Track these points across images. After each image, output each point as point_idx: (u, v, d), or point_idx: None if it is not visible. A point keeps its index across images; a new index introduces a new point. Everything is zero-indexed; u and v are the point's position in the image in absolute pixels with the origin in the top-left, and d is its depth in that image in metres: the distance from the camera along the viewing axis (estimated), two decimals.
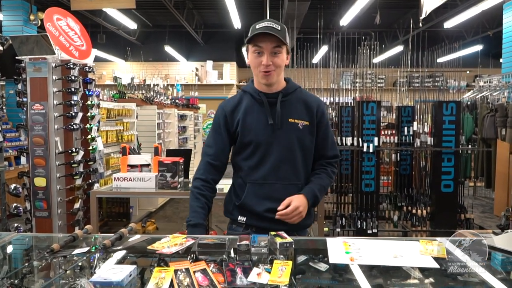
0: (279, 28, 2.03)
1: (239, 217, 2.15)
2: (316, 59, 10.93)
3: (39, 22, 8.55)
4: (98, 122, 4.67)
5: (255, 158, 2.13)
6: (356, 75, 7.76)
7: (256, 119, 2.13)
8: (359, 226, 5.62)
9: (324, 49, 10.46)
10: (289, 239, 1.64)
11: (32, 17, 8.48)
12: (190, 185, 2.18)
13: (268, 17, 8.47)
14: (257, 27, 2.03)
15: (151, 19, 14.35)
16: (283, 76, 2.20)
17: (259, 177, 2.12)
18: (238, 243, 1.58)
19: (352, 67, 7.55)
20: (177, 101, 10.94)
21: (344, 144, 5.86)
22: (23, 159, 4.37)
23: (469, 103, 8.19)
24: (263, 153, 2.12)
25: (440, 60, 7.63)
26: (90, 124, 4.43)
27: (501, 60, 8.94)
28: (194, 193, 2.14)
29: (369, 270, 1.45)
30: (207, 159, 2.20)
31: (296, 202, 2.02)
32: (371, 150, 5.56)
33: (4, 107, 8.18)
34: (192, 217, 2.05)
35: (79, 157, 4.28)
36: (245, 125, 2.13)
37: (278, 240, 1.62)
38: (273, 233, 1.71)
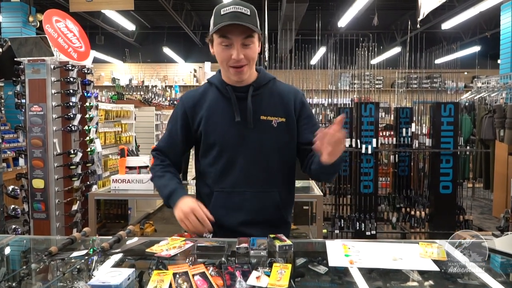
0: (249, 13, 1.70)
1: (205, 233, 1.87)
2: (314, 60, 10.94)
3: (38, 24, 8.56)
4: (97, 123, 4.67)
5: (222, 162, 1.85)
6: (354, 76, 7.80)
7: (221, 116, 1.84)
8: (357, 228, 5.61)
9: (322, 50, 10.47)
10: (288, 241, 1.63)
11: (31, 19, 8.48)
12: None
13: (266, 19, 8.50)
14: (222, 13, 1.69)
15: (150, 20, 14.35)
16: (254, 67, 1.89)
17: (227, 185, 1.85)
18: (237, 246, 1.57)
19: (350, 68, 7.57)
20: (175, 102, 10.94)
21: None
22: (21, 161, 4.37)
23: (467, 104, 8.20)
24: (231, 157, 1.84)
25: (438, 61, 7.66)
26: (88, 126, 4.43)
27: (499, 61, 8.96)
28: (156, 175, 1.92)
29: (369, 273, 1.44)
30: (156, 154, 1.98)
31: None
32: (369, 152, 5.56)
33: (2, 109, 8.20)
34: (166, 192, 1.82)
35: (77, 158, 4.27)
36: (208, 123, 1.85)
37: (277, 243, 1.61)
38: (272, 235, 1.70)
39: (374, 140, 5.58)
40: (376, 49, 7.05)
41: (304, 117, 1.91)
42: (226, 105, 1.84)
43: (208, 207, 1.83)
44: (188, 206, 1.71)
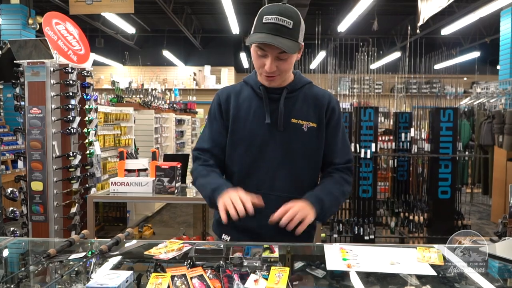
0: (291, 26, 1.64)
1: (223, 235, 1.85)
2: (314, 64, 10.95)
3: (38, 26, 8.55)
4: (96, 126, 4.67)
5: (247, 161, 1.82)
6: (354, 81, 7.79)
7: (252, 115, 1.81)
8: (356, 232, 5.62)
9: (322, 54, 10.48)
10: (275, 255, 1.55)
11: (30, 21, 8.48)
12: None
13: None
14: (264, 20, 1.65)
15: (150, 23, 14.38)
16: (291, 73, 1.86)
17: (251, 186, 1.77)
18: (230, 256, 1.53)
19: (350, 73, 7.58)
20: (174, 105, 10.94)
21: None
22: (20, 163, 4.37)
23: (466, 109, 8.22)
24: (257, 156, 1.80)
25: (437, 66, 7.68)
26: (87, 128, 4.43)
27: (498, 67, 8.98)
28: (200, 174, 1.84)
29: (366, 277, 1.44)
30: (197, 154, 1.90)
31: (291, 205, 1.66)
32: (368, 156, 5.57)
33: (1, 111, 8.19)
34: (210, 188, 1.75)
35: (76, 161, 4.27)
36: (238, 120, 1.83)
37: (264, 254, 1.55)
38: (265, 245, 1.62)
39: (373, 145, 5.59)
40: (375, 54, 7.06)
41: (332, 125, 1.87)
42: (258, 105, 1.82)
43: None
44: (235, 191, 1.67)
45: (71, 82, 4.21)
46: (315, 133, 1.82)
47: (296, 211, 1.64)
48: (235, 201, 1.61)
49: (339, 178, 1.87)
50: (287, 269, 1.40)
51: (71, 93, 4.21)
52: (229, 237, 1.84)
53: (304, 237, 1.75)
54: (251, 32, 1.71)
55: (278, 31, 1.63)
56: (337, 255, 1.61)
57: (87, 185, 4.51)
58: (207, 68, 15.75)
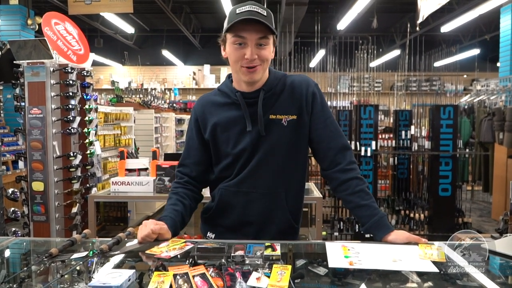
0: (265, 14, 1.64)
1: (208, 233, 1.91)
2: (313, 63, 10.94)
3: (37, 27, 8.55)
4: (96, 126, 4.67)
5: (235, 168, 1.81)
6: (354, 79, 7.80)
7: (233, 125, 1.77)
8: (357, 230, 5.62)
9: (321, 53, 10.47)
10: (277, 252, 1.56)
11: (29, 22, 8.47)
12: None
13: None
14: (237, 11, 1.63)
15: (149, 23, 14.37)
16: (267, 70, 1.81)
17: (233, 184, 1.80)
18: (232, 254, 1.53)
19: (350, 71, 7.58)
20: (174, 105, 10.96)
21: None
22: (20, 164, 4.36)
23: (466, 107, 8.23)
24: (243, 163, 1.79)
25: (437, 64, 7.68)
26: (88, 128, 4.43)
27: (498, 64, 8.98)
28: (169, 196, 1.88)
29: (368, 274, 1.44)
30: (177, 172, 1.92)
31: (400, 239, 1.68)
32: (368, 154, 5.57)
33: (1, 112, 8.19)
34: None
35: (77, 161, 4.27)
36: (219, 133, 1.79)
37: (266, 252, 1.56)
38: (267, 244, 1.63)
39: (374, 143, 5.60)
40: (375, 51, 7.08)
41: (316, 111, 1.81)
42: (236, 113, 1.77)
43: (212, 206, 1.88)
44: (147, 223, 1.75)
45: (71, 82, 4.20)
46: (295, 125, 1.77)
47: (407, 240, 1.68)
48: (141, 228, 1.72)
49: (358, 186, 1.79)
50: (289, 266, 1.40)
51: (71, 93, 4.21)
52: (214, 235, 1.90)
53: (286, 234, 1.85)
54: (225, 27, 1.68)
55: (255, 15, 1.60)
56: (339, 253, 1.61)
57: (88, 185, 4.51)
58: (207, 67, 15.75)
